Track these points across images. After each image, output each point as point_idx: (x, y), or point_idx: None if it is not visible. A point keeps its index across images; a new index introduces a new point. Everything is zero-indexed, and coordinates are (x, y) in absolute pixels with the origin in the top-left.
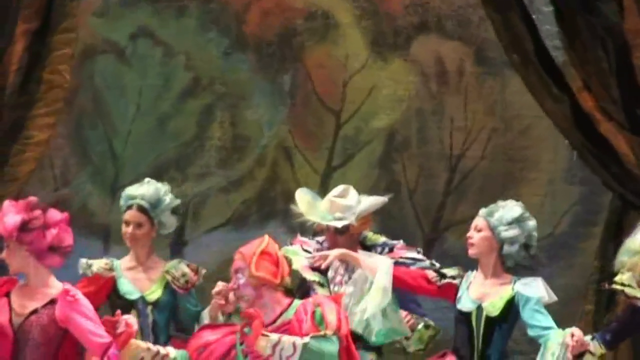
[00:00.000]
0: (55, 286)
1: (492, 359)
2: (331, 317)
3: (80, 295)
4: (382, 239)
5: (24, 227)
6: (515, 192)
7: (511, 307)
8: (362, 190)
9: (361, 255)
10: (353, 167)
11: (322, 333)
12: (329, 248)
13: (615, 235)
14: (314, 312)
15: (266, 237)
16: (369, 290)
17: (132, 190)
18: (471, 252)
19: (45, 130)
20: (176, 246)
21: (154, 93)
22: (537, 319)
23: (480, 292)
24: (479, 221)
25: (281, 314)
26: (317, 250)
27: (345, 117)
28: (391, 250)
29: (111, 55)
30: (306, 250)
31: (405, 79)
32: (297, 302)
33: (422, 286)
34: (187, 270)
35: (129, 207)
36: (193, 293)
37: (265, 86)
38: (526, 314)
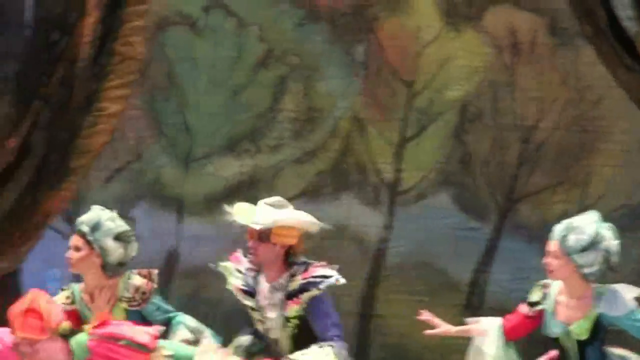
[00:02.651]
0: None
1: None
2: (141, 337)
3: None
4: (303, 259)
5: None
6: (588, 162)
7: (598, 326)
8: (436, 161)
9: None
10: (426, 138)
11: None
12: (252, 255)
13: None
14: (126, 346)
15: (30, 292)
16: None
17: (80, 217)
18: (552, 277)
19: (118, 102)
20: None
21: (227, 65)
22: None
23: (566, 315)
24: (554, 246)
25: None
26: (248, 270)
27: (418, 88)
28: (306, 269)
29: (184, 27)
30: (238, 270)
31: (478, 50)
32: (75, 343)
33: (528, 326)
34: (139, 282)
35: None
36: (155, 301)
37: (338, 57)
38: (628, 329)
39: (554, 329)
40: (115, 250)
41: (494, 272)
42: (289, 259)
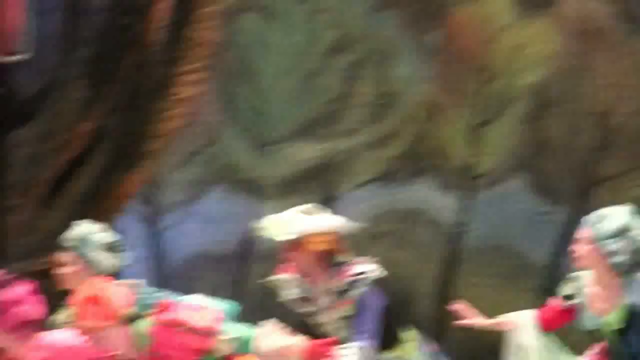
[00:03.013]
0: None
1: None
2: (203, 322)
3: None
4: (344, 258)
5: None
6: None
7: (632, 315)
8: (511, 146)
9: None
10: (501, 123)
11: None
12: (292, 265)
13: None
14: (189, 333)
15: (93, 280)
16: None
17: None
18: (579, 265)
19: (192, 87)
20: (326, 202)
21: (300, 50)
22: None
23: (598, 307)
24: (583, 232)
25: (135, 348)
26: (298, 278)
27: (492, 74)
28: (348, 268)
29: (256, 13)
30: (288, 281)
31: (551, 36)
32: (140, 328)
33: (562, 319)
34: None
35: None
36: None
37: (411, 43)
38: None
39: (588, 323)
40: (106, 262)
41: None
42: (332, 261)
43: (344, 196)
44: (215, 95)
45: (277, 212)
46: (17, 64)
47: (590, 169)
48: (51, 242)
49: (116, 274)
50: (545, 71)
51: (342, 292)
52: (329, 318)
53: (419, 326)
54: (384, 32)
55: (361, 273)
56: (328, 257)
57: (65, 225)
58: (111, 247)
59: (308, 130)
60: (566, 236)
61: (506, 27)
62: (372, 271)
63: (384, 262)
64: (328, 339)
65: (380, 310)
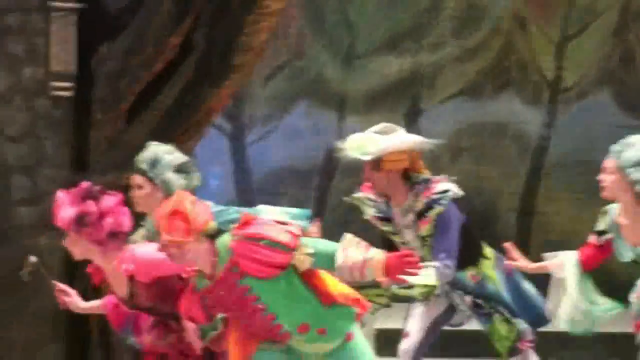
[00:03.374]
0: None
1: None
2: (283, 237)
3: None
4: (423, 176)
5: (79, 220)
6: None
7: None
8: (597, 59)
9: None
10: (588, 36)
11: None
12: (371, 185)
13: None
14: (269, 247)
15: (176, 193)
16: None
17: (138, 156)
18: (605, 194)
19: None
20: (412, 116)
21: None
22: None
23: (632, 238)
24: (608, 162)
25: (215, 262)
26: (378, 196)
27: None
28: (427, 187)
29: None
30: (369, 199)
31: None
32: (219, 243)
33: (601, 256)
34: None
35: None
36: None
37: None
38: None
39: (625, 254)
40: (177, 183)
41: None
42: (411, 180)
43: (429, 110)
44: (302, 8)
45: (362, 126)
46: None
47: None
48: (135, 158)
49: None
50: None
51: (421, 212)
52: (409, 237)
53: (501, 241)
54: None
55: (440, 192)
56: (406, 176)
57: (150, 141)
58: (182, 168)
59: (395, 43)
60: None
61: None
62: (451, 190)
63: (468, 177)
64: (407, 251)
65: (459, 229)
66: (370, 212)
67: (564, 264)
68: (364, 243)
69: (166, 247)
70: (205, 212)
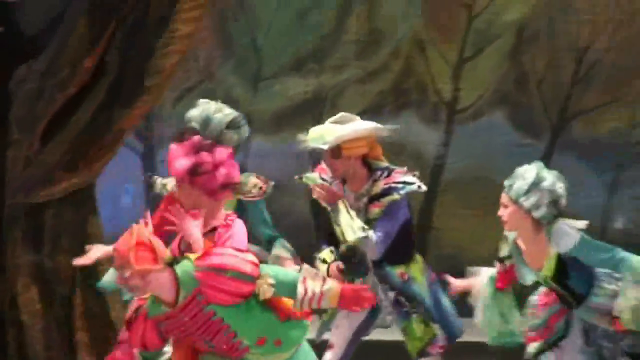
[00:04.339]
0: (220, 217)
1: (583, 292)
2: (246, 267)
3: (237, 223)
4: (384, 164)
5: (194, 171)
6: (638, 82)
7: (564, 262)
8: (493, 80)
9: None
10: (484, 59)
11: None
12: (332, 172)
13: None
14: (233, 278)
15: (134, 226)
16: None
17: (187, 114)
18: (507, 227)
19: (190, 24)
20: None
21: None
22: (599, 260)
23: (533, 262)
24: (503, 197)
25: (177, 290)
26: (332, 178)
27: (477, 10)
28: (389, 175)
29: None
30: (323, 179)
31: None
32: (182, 272)
33: (509, 279)
34: (256, 180)
35: None
36: (263, 208)
37: None
38: (585, 259)
39: (527, 277)
40: (231, 138)
41: None
42: (371, 166)
43: None
44: (212, 32)
45: (269, 144)
46: (20, 2)
47: (568, 102)
48: (50, 176)
49: (237, 148)
50: (527, 8)
51: (376, 196)
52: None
53: None
54: None
55: (401, 182)
56: (366, 162)
57: (64, 160)
58: (232, 124)
59: (299, 66)
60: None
61: None
62: (414, 183)
63: None
64: (363, 286)
65: (403, 223)
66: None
67: (484, 283)
68: (321, 274)
69: (128, 279)
70: (161, 242)
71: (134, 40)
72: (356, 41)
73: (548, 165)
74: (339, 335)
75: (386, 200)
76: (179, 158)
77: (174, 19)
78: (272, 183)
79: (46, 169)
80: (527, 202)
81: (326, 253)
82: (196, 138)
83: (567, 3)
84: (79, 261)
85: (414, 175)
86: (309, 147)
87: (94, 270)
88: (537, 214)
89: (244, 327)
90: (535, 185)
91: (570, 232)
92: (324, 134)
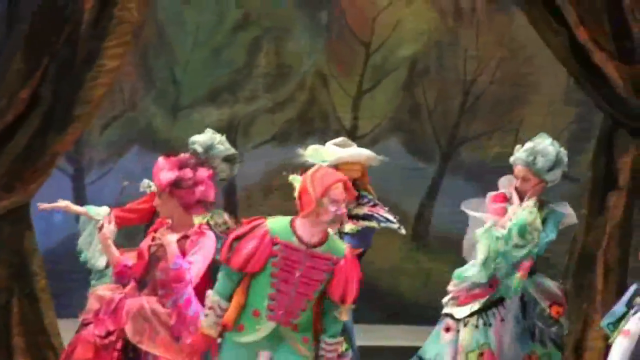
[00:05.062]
0: (192, 226)
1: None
2: (357, 289)
3: (208, 234)
4: (372, 196)
5: (177, 184)
6: (520, 112)
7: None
8: (388, 111)
9: None
10: (380, 91)
11: None
12: None
13: (606, 149)
14: (356, 284)
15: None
16: None
17: (193, 137)
18: (528, 196)
19: (116, 59)
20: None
21: (209, 27)
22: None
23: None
24: (522, 171)
25: (324, 241)
26: None
27: (374, 47)
28: (374, 205)
29: None
30: None
31: (426, 14)
32: (337, 241)
33: None
34: (227, 218)
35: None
36: None
37: (305, 21)
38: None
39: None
40: (224, 170)
41: (437, 206)
42: (359, 190)
43: (245, 154)
44: (135, 66)
45: None
46: None
47: (457, 130)
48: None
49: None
50: (419, 45)
51: (357, 215)
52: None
53: None
54: (281, 11)
55: (385, 216)
56: (355, 185)
57: (2, 181)
58: (229, 158)
59: (214, 97)
60: (434, 189)
61: (387, 5)
62: (392, 222)
63: (278, 211)
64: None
65: (364, 250)
66: None
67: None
68: None
69: (339, 211)
70: None
71: (65, 74)
72: (265, 75)
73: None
74: None
75: (365, 223)
76: (165, 170)
77: (101, 54)
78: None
79: None
80: (551, 177)
81: None
82: (183, 155)
83: (454, 41)
84: (43, 206)
85: (395, 218)
86: (307, 162)
87: (30, 281)
88: (551, 184)
89: (310, 310)
90: (559, 163)
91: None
92: (323, 153)
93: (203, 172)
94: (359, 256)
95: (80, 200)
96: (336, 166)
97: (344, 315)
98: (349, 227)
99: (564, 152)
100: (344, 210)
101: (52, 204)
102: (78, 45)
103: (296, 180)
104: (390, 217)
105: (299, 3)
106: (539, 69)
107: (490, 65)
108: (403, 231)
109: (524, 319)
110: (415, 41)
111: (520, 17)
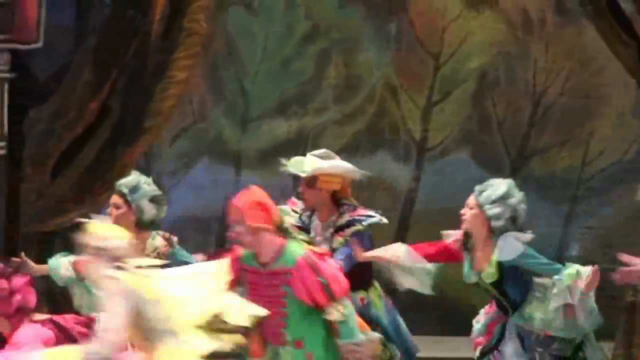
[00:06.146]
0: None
1: (518, 299)
2: (335, 287)
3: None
4: (350, 201)
5: None
6: (590, 123)
7: (504, 269)
8: (458, 122)
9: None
10: (450, 102)
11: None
12: (303, 199)
13: None
14: (321, 284)
15: (254, 188)
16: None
17: (119, 181)
18: (463, 227)
19: (185, 71)
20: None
21: (278, 39)
22: (539, 267)
23: (478, 266)
24: (470, 199)
25: (277, 256)
26: (304, 210)
27: (443, 59)
28: (354, 209)
29: (241, 6)
30: (294, 211)
31: (495, 26)
32: (291, 247)
33: (446, 257)
34: (158, 243)
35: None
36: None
37: (374, 32)
38: (526, 268)
39: (471, 277)
40: (150, 211)
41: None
42: (339, 201)
43: None
44: (205, 78)
45: (256, 180)
46: (33, 51)
47: (526, 142)
48: (59, 207)
49: (154, 225)
50: (489, 57)
51: (341, 226)
52: (323, 248)
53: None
54: (350, 23)
55: (365, 215)
56: (335, 197)
57: (72, 193)
58: (155, 199)
59: (283, 108)
60: None
61: (456, 18)
62: (375, 216)
63: None
64: None
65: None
66: (290, 221)
67: (397, 252)
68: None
69: (241, 234)
70: (278, 209)
71: (135, 86)
72: (334, 86)
73: None
74: None
75: (350, 230)
76: None
77: (171, 66)
78: (175, 239)
79: (56, 200)
80: (491, 211)
81: None
82: None
83: (524, 52)
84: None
85: (376, 212)
86: (287, 172)
87: None
88: (495, 224)
89: (295, 323)
90: (504, 198)
91: (516, 243)
92: (304, 164)
93: (20, 280)
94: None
95: None
96: (315, 177)
97: (332, 315)
98: (337, 241)
99: (518, 198)
100: (234, 231)
101: None
102: (147, 57)
103: (283, 212)
104: (371, 213)
105: (367, 15)
106: (609, 80)
107: (559, 77)
108: (385, 220)
109: (524, 350)
110: (485, 53)
111: (590, 28)
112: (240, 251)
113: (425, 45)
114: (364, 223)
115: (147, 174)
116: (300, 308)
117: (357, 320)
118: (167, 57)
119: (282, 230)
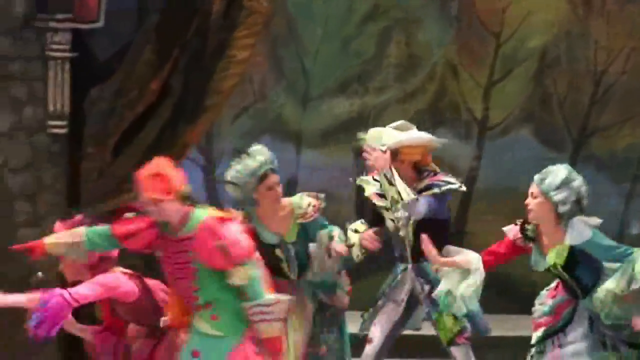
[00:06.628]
0: None
1: (589, 283)
2: (235, 250)
3: None
4: (426, 168)
5: None
6: None
7: (574, 254)
8: (519, 100)
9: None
10: (511, 81)
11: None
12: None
13: None
14: (220, 248)
15: (158, 159)
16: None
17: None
18: (530, 216)
19: (246, 50)
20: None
21: (339, 18)
22: (608, 252)
23: (547, 251)
24: (533, 188)
25: (183, 223)
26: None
27: (504, 38)
28: (435, 175)
29: None
30: (375, 179)
31: (555, 5)
32: (195, 214)
33: (511, 253)
34: (309, 199)
35: (272, 171)
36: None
37: (435, 11)
38: (595, 253)
39: (540, 264)
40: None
41: None
42: (420, 171)
43: None
44: (265, 57)
45: (317, 158)
46: (95, 30)
47: (587, 121)
48: (121, 186)
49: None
50: (549, 35)
51: (420, 190)
52: (400, 214)
53: None
54: (411, 1)
55: (444, 180)
56: (417, 167)
57: (133, 172)
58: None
59: (344, 87)
60: None
61: None
62: (453, 183)
63: None
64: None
65: (442, 218)
66: (371, 190)
67: (471, 261)
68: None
69: (145, 204)
70: (181, 176)
71: (196, 65)
72: (396, 65)
73: None
74: (378, 330)
75: (428, 192)
76: None
77: (232, 45)
78: (323, 195)
79: (117, 180)
80: (557, 197)
81: (358, 224)
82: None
83: (585, 31)
84: None
85: (457, 179)
86: (365, 145)
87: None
88: (562, 209)
89: (206, 288)
90: (566, 183)
91: (585, 227)
92: (383, 137)
93: None
94: (441, 225)
95: (210, 190)
96: (396, 150)
97: (234, 278)
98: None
99: (579, 181)
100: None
101: None
102: (208, 37)
103: (364, 181)
104: (451, 179)
105: None
106: None
107: (621, 56)
108: (463, 188)
109: (591, 332)
110: (546, 32)
111: None
112: (152, 220)
113: (486, 24)
114: (442, 188)
115: (208, 154)
116: (209, 272)
117: (265, 282)
118: (227, 35)
119: (184, 199)
